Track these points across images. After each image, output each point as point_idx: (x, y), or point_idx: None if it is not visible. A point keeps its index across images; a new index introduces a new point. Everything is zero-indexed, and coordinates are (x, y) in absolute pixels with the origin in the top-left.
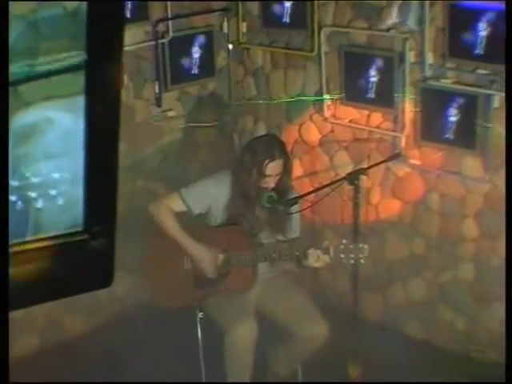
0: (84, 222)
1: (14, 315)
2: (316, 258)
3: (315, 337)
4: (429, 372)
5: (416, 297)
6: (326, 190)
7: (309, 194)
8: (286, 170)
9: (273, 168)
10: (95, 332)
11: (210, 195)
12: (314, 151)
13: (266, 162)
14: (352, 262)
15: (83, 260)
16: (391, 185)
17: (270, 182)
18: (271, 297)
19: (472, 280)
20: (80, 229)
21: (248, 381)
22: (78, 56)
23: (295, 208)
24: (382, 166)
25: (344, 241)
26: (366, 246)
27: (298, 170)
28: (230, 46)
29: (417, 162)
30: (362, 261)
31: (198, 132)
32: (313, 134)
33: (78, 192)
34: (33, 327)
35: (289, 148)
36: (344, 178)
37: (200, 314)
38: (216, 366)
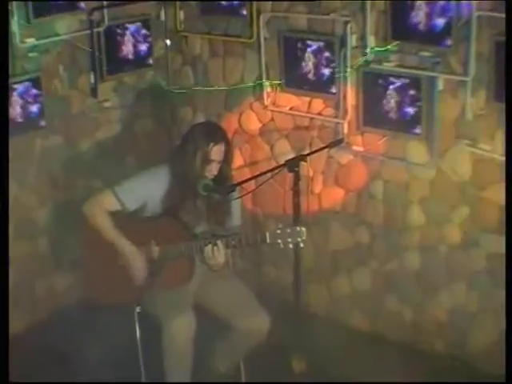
0: None
1: None
2: (211, 255)
3: (255, 329)
4: (376, 365)
5: (361, 287)
6: (265, 177)
7: (247, 181)
8: (226, 157)
9: (216, 152)
10: (34, 329)
11: (146, 190)
12: (254, 140)
13: (211, 145)
14: (290, 246)
15: None
16: (334, 173)
17: (213, 169)
18: (210, 288)
19: (418, 269)
20: None
21: (188, 378)
22: None
23: (233, 196)
24: (325, 153)
25: (280, 225)
26: (303, 229)
27: (238, 159)
28: (168, 39)
29: (360, 148)
30: (302, 244)
31: (135, 124)
32: (253, 123)
33: None
34: None
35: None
36: (284, 165)
37: (138, 309)
38: (155, 362)
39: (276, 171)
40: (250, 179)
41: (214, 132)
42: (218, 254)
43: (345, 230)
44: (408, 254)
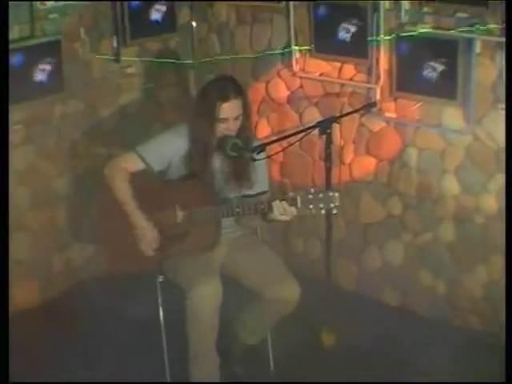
0: None
1: None
2: (282, 210)
3: (285, 299)
4: (408, 341)
5: (393, 261)
6: (295, 138)
7: (277, 141)
8: (245, 113)
9: (228, 110)
10: (51, 302)
11: (169, 150)
12: (282, 109)
13: (219, 103)
14: (322, 212)
15: None
16: (365, 141)
17: (230, 127)
18: (237, 258)
19: (453, 241)
20: None
21: (213, 350)
22: None
23: (262, 155)
24: (356, 121)
25: (312, 190)
26: (336, 194)
27: (265, 129)
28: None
29: (392, 115)
30: (335, 211)
31: (159, 91)
32: (281, 91)
33: None
34: None
35: (256, 107)
36: (315, 126)
37: (160, 278)
38: (179, 335)
39: (307, 131)
40: (280, 139)
41: (223, 89)
42: (289, 208)
43: (376, 201)
44: (442, 226)
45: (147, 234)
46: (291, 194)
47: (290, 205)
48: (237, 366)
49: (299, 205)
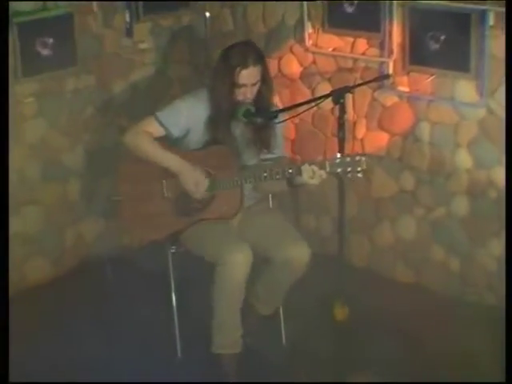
0: None
1: None
2: (311, 174)
3: (295, 260)
4: (420, 318)
5: (405, 237)
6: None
7: (291, 108)
8: (264, 79)
9: (247, 76)
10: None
11: (188, 115)
12: (295, 84)
13: (238, 69)
14: (349, 176)
15: None
16: (378, 116)
17: (247, 93)
18: (249, 223)
19: (466, 215)
20: None
21: (239, 318)
22: None
23: (276, 121)
24: (368, 96)
25: (339, 154)
26: (363, 158)
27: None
28: None
29: (405, 89)
30: (360, 174)
31: (171, 67)
32: (293, 67)
33: None
34: None
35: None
36: (329, 95)
37: (172, 249)
38: (190, 310)
39: (321, 100)
40: (294, 106)
41: (244, 55)
42: (319, 172)
43: (389, 176)
44: (455, 200)
45: (192, 176)
46: (319, 159)
47: (320, 168)
48: (250, 338)
49: (328, 168)
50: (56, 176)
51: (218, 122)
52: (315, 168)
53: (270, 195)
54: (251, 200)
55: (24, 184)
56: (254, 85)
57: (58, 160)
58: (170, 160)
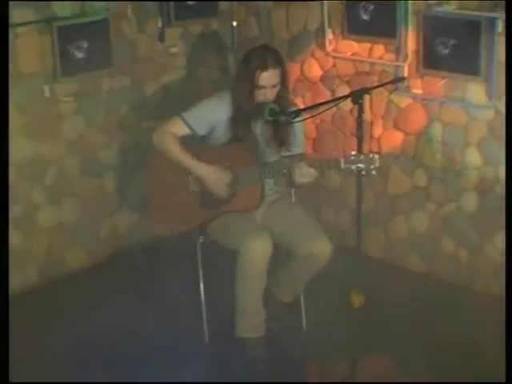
0: None
1: (14, 247)
2: (300, 172)
3: (317, 254)
4: (431, 306)
5: (418, 230)
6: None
7: (313, 107)
8: (283, 81)
9: (266, 78)
10: (95, 268)
11: (212, 115)
12: (316, 87)
13: (258, 71)
14: (363, 173)
15: None
16: (394, 117)
17: (267, 94)
18: (272, 217)
19: (475, 210)
20: None
21: (260, 305)
22: None
23: (298, 119)
24: (385, 98)
25: (353, 152)
26: (376, 156)
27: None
28: None
29: (419, 91)
30: (374, 172)
31: (200, 71)
32: (314, 70)
33: None
34: (33, 261)
35: (291, 86)
36: (348, 96)
37: (201, 238)
38: (218, 298)
39: (340, 100)
40: (315, 106)
41: (263, 58)
42: (307, 170)
43: (403, 173)
44: (465, 196)
45: (215, 176)
46: (334, 154)
47: (309, 166)
48: (273, 323)
49: (343, 165)
50: (93, 171)
51: (240, 121)
52: (304, 167)
53: (293, 190)
54: (274, 194)
55: (63, 178)
56: (273, 86)
57: (95, 156)
58: (191, 163)
